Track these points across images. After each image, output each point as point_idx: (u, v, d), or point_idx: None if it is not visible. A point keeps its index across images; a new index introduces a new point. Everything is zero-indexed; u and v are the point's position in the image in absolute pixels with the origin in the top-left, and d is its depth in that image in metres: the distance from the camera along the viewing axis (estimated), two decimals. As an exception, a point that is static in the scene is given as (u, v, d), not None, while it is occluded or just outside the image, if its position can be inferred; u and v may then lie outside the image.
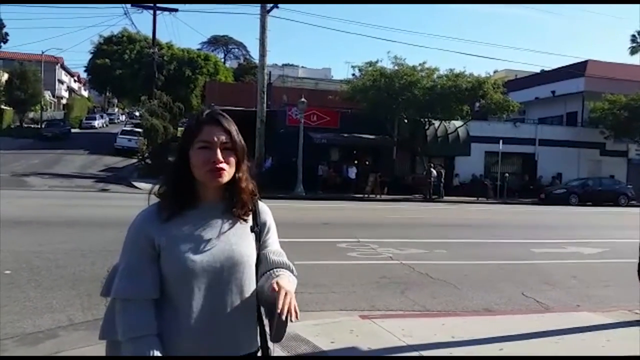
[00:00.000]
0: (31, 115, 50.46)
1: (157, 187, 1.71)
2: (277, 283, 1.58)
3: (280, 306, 1.51)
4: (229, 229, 1.66)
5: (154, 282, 1.59)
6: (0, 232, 9.43)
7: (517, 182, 29.34)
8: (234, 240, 1.65)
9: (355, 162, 26.22)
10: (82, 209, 13.95)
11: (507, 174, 27.58)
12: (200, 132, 1.64)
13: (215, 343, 1.61)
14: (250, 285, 1.66)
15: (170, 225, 1.62)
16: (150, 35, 35.68)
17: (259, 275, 1.69)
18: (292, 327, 4.91)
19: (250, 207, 1.72)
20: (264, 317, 1.70)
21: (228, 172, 1.64)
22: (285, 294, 1.53)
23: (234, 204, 1.68)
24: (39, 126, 45.93)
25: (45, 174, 24.26)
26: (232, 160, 1.65)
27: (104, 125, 57.56)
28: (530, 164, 30.85)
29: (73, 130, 47.42)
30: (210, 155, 1.62)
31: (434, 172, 25.46)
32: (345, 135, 25.72)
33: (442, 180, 25.93)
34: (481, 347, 4.55)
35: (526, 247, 10.87)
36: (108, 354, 1.64)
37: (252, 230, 1.70)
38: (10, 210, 12.57)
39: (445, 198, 25.14)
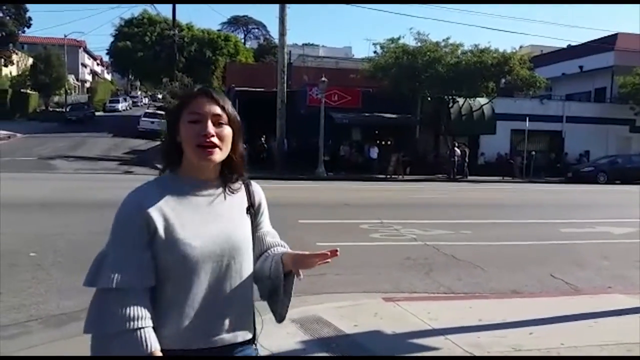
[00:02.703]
0: (56, 99, 51.13)
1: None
2: (288, 254, 1.61)
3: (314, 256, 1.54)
4: (227, 209, 1.56)
5: (150, 269, 1.44)
6: (28, 215, 9.58)
7: (544, 160, 28.72)
8: (232, 223, 1.55)
9: (377, 142, 25.94)
10: (107, 191, 14.03)
11: (533, 152, 26.98)
12: (190, 104, 1.52)
13: (212, 331, 1.51)
14: (248, 269, 1.58)
15: (166, 206, 1.48)
16: (170, 16, 35.63)
17: (254, 257, 1.63)
18: (314, 310, 4.86)
19: (241, 185, 1.64)
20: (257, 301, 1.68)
21: (221, 148, 1.51)
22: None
23: (230, 182, 1.59)
24: (64, 110, 46.52)
25: (71, 157, 24.59)
26: (226, 135, 1.52)
27: (128, 108, 58.10)
28: (557, 142, 30.16)
29: (97, 114, 48.00)
30: (200, 128, 1.49)
31: (458, 151, 25.05)
32: (367, 114, 25.40)
33: (467, 159, 25.51)
34: (510, 330, 4.41)
35: (554, 227, 10.61)
36: (94, 349, 1.43)
37: (247, 211, 1.62)
38: (37, 193, 12.77)
39: (470, 177, 24.76)
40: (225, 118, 1.52)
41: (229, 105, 1.56)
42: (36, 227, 8.56)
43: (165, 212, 1.47)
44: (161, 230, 1.45)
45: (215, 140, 1.48)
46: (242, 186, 1.64)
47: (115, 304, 1.40)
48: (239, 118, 1.58)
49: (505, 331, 4.38)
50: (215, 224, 1.51)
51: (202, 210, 1.51)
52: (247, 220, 1.61)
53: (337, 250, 1.50)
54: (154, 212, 1.45)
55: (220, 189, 1.57)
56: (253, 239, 1.62)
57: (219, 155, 1.51)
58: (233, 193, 1.59)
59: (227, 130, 1.52)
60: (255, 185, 1.69)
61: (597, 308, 5.07)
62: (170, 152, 1.56)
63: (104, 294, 1.42)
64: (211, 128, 1.48)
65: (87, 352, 1.45)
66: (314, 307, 4.96)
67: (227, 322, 1.53)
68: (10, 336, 4.33)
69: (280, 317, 1.63)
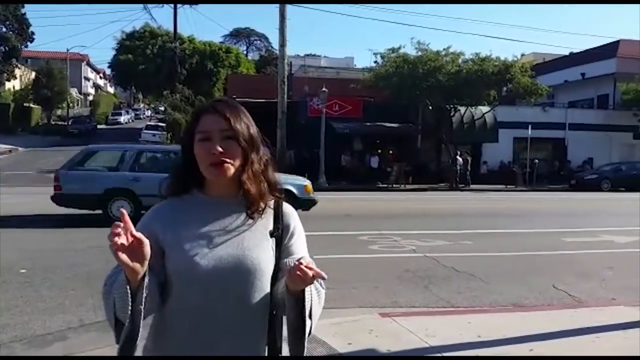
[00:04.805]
0: (58, 112, 51.29)
1: (164, 184, 1.56)
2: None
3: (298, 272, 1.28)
4: (245, 230, 1.47)
5: (153, 283, 1.39)
6: (22, 230, 9.47)
7: (547, 168, 28.53)
8: (248, 244, 1.45)
9: (379, 151, 25.82)
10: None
11: (536, 160, 26.80)
12: (200, 122, 1.46)
13: (208, 355, 1.42)
14: (261, 297, 1.45)
15: (178, 223, 1.46)
16: (171, 29, 35.78)
17: (278, 286, 1.45)
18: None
19: (261, 204, 1.50)
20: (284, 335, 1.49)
21: (232, 163, 1.44)
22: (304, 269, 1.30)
23: (251, 202, 1.48)
24: (66, 123, 46.64)
25: (71, 170, 24.49)
26: (236, 150, 1.44)
27: (130, 120, 58.22)
28: (560, 150, 29.98)
29: (99, 127, 48.08)
30: (209, 146, 1.42)
31: (460, 159, 24.89)
32: (368, 124, 25.30)
33: (469, 168, 25.35)
34: (510, 347, 4.24)
35: (557, 236, 10.44)
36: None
37: (271, 234, 1.49)
38: (35, 207, 12.64)
39: (472, 186, 24.58)
40: (233, 133, 1.44)
41: (238, 119, 1.47)
42: (31, 243, 8.46)
43: (176, 228, 1.45)
44: (168, 246, 1.43)
45: (224, 157, 1.43)
46: (270, 206, 1.53)
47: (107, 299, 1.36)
48: (251, 130, 1.49)
49: (504, 348, 4.21)
50: (226, 244, 1.44)
51: (214, 230, 1.45)
52: (269, 243, 1.48)
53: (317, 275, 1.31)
54: (162, 229, 1.45)
55: (242, 209, 1.48)
56: (278, 265, 1.49)
57: (230, 171, 1.45)
58: (255, 213, 1.48)
59: (235, 145, 1.44)
60: (287, 207, 1.57)
61: (600, 322, 4.90)
62: (186, 172, 1.50)
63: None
64: (218, 145, 1.42)
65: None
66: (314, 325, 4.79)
67: (225, 349, 1.42)
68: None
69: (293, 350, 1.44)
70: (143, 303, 1.30)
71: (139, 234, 1.28)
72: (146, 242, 1.28)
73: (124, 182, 10.66)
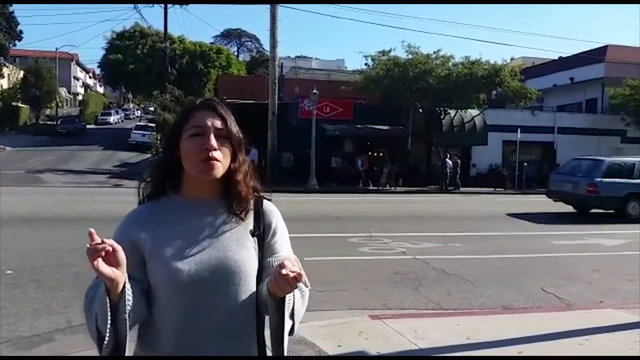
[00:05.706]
0: (47, 112, 50.77)
1: (143, 184, 1.53)
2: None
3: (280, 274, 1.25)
4: (226, 231, 1.44)
5: (137, 291, 1.36)
6: (9, 231, 9.36)
7: (536, 171, 28.69)
8: (230, 245, 1.43)
9: (369, 153, 25.85)
10: (94, 205, 13.84)
11: (525, 164, 26.96)
12: (192, 118, 1.44)
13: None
14: (246, 299, 1.43)
15: (157, 227, 1.42)
16: (162, 29, 35.58)
17: (263, 286, 1.42)
18: (298, 330, 4.69)
19: (249, 205, 1.49)
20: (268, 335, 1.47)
21: (222, 162, 1.42)
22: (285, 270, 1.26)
23: (231, 201, 1.46)
24: (55, 123, 46.20)
25: (60, 170, 24.31)
26: (227, 150, 1.44)
27: (120, 120, 57.80)
28: (549, 153, 30.18)
29: (88, 127, 47.67)
30: (203, 142, 1.40)
31: (450, 162, 24.97)
32: (359, 126, 25.31)
33: (459, 170, 25.44)
34: (498, 349, 4.26)
35: (545, 239, 10.50)
36: None
37: (253, 234, 1.46)
38: (22, 208, 12.53)
39: (462, 189, 24.64)
40: (226, 132, 1.44)
41: (231, 119, 1.48)
42: (19, 243, 8.35)
43: (155, 233, 1.42)
44: (148, 252, 1.40)
45: (217, 154, 1.41)
46: (251, 206, 1.51)
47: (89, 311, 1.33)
48: (240, 134, 1.49)
49: (493, 350, 4.23)
50: (209, 246, 1.41)
51: (196, 232, 1.43)
52: (251, 243, 1.46)
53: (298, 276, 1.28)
54: (141, 235, 1.41)
55: (222, 209, 1.46)
56: (262, 264, 1.47)
57: (222, 169, 1.43)
58: (236, 213, 1.46)
59: (228, 145, 1.44)
60: (269, 205, 1.55)
61: (588, 324, 4.94)
62: (167, 172, 1.49)
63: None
64: (214, 141, 1.41)
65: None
66: (300, 326, 4.78)
67: (214, 351, 1.40)
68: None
69: (274, 350, 1.41)
70: (127, 312, 1.27)
71: (110, 241, 1.24)
72: (119, 248, 1.25)
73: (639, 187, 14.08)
